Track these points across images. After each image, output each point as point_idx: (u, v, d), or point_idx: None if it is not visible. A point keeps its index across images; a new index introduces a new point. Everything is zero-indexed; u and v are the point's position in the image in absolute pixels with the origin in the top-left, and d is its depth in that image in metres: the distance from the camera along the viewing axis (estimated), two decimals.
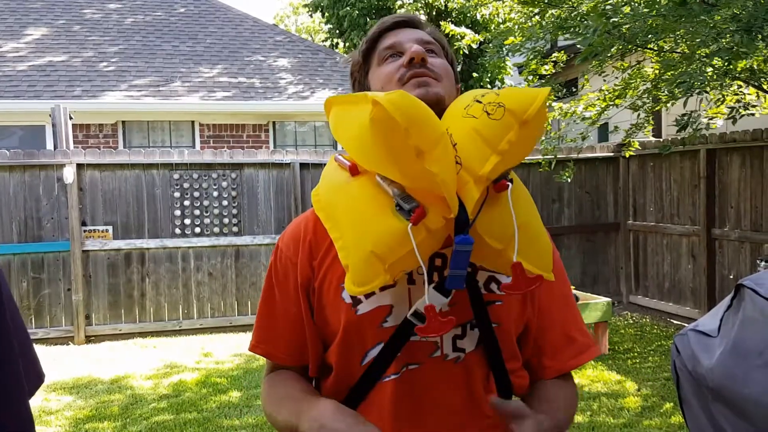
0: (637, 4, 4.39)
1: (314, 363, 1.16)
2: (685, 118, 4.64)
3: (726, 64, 4.03)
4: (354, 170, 1.05)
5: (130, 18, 10.92)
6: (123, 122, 8.96)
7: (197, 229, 6.90)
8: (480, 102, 0.99)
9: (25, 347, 1.00)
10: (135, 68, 9.56)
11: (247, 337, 6.66)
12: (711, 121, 5.15)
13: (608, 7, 4.50)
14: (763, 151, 5.90)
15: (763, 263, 4.17)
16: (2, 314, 0.92)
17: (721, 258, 6.42)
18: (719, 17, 3.77)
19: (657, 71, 5.22)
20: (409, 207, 0.95)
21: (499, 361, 1.10)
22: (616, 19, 4.15)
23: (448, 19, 12.46)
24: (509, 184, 1.00)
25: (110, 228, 6.65)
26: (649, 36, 4.31)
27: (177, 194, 6.84)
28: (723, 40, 3.83)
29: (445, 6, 12.12)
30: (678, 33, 4.34)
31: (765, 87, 4.93)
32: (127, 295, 6.73)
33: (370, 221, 0.98)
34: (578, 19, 4.78)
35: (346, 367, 1.11)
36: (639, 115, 6.02)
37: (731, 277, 6.29)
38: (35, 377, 1.02)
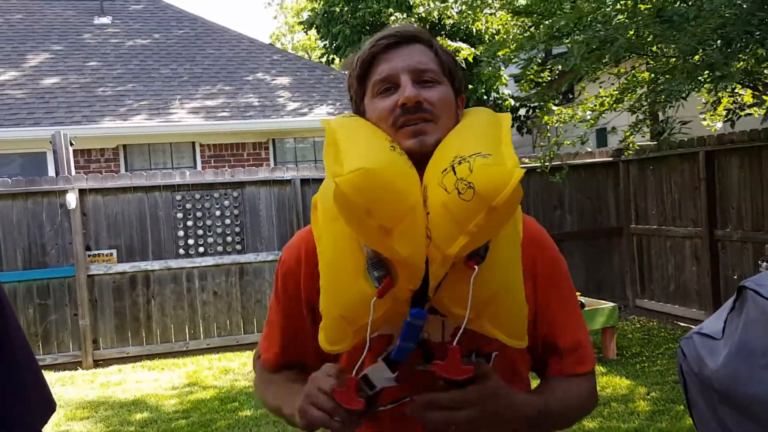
0: (618, 14, 4.43)
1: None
2: (662, 124, 4.67)
3: (713, 72, 4.06)
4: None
5: (127, 42, 11.01)
6: (124, 146, 9.02)
7: (201, 249, 6.92)
8: (454, 172, 0.95)
9: (36, 376, 1.01)
10: (134, 92, 9.63)
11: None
12: (683, 125, 5.17)
13: (590, 19, 4.54)
14: (761, 151, 5.92)
15: (765, 264, 4.17)
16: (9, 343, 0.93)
17: (725, 259, 6.42)
18: (699, 29, 3.80)
19: (653, 75, 5.26)
20: (378, 275, 0.95)
21: None
22: (602, 32, 4.19)
23: (443, 33, 12.55)
24: (476, 267, 0.95)
25: (114, 251, 6.68)
26: (635, 46, 4.35)
27: (180, 215, 6.87)
28: (703, 53, 3.86)
29: (439, 20, 12.19)
30: (662, 42, 4.38)
31: (760, 88, 4.96)
32: (134, 318, 6.74)
33: (344, 280, 0.98)
34: (561, 31, 4.82)
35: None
36: (637, 116, 6.05)
37: (735, 277, 6.29)
38: (45, 406, 1.04)
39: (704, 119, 5.33)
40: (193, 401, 5.23)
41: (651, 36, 4.12)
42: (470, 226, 0.92)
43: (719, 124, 5.38)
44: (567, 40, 4.47)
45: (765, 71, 4.41)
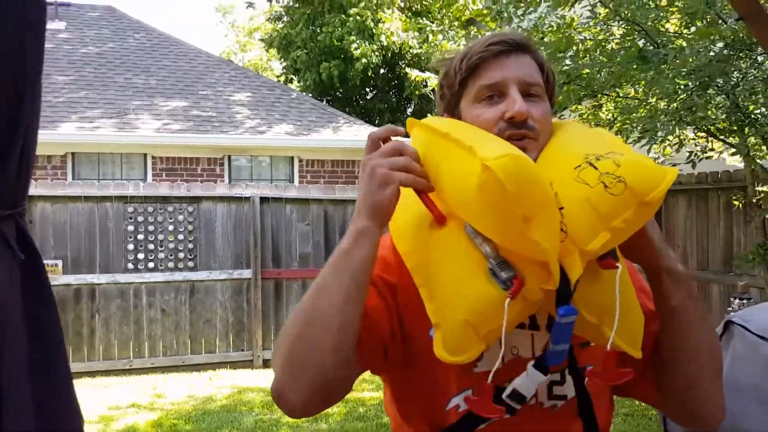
0: (595, 54, 4.61)
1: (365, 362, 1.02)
2: None
3: (678, 114, 4.26)
4: (441, 220, 0.98)
5: (81, 49, 10.72)
6: (72, 154, 8.72)
7: (151, 264, 6.72)
8: (594, 167, 0.91)
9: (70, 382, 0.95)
10: (87, 99, 9.36)
11: (201, 377, 6.49)
12: (675, 167, 5.39)
13: (569, 56, 4.70)
14: (707, 194, 6.19)
15: (737, 301, 4.36)
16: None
17: None
18: (675, 70, 4.00)
19: (613, 114, 5.46)
20: (506, 276, 0.89)
21: (589, 411, 1.06)
22: (585, 72, 4.34)
23: (402, 62, 12.73)
24: (618, 266, 0.92)
25: (60, 262, 6.41)
26: (609, 84, 4.53)
27: (131, 228, 6.67)
28: (680, 96, 4.05)
29: (400, 49, 12.36)
30: (637, 82, 4.57)
31: (713, 131, 5.22)
32: (76, 333, 6.46)
33: (463, 284, 0.91)
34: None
35: (428, 410, 1.05)
36: None
37: None
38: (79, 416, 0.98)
39: (666, 160, 5.56)
40: (137, 424, 5.02)
41: (630, 73, 4.28)
42: (617, 221, 0.88)
43: (680, 166, 5.61)
44: None
45: (720, 117, 4.65)
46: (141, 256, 6.69)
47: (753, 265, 5.30)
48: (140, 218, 6.69)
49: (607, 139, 1.01)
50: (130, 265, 6.66)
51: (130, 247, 6.66)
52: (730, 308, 4.48)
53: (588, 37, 5.47)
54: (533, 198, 0.86)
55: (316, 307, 0.94)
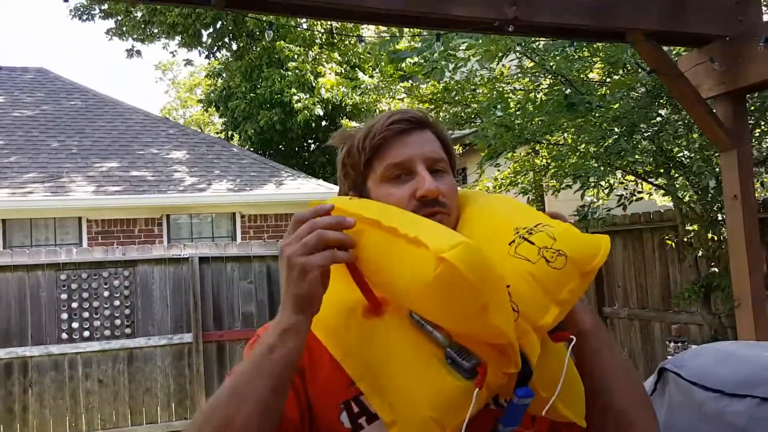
0: (524, 104, 4.77)
1: None
2: (585, 209, 5.00)
3: (607, 159, 4.42)
4: (378, 309, 0.94)
5: (13, 113, 10.46)
6: (3, 221, 8.39)
7: (86, 333, 6.44)
8: (530, 242, 0.91)
9: None
10: (17, 164, 9.07)
11: None
12: (607, 211, 5.57)
13: (498, 107, 4.84)
14: (642, 234, 6.37)
15: (672, 344, 4.44)
16: None
17: (614, 335, 6.75)
18: (601, 116, 4.16)
19: (547, 161, 5.62)
20: (470, 365, 0.85)
21: None
22: (517, 121, 4.48)
23: (342, 114, 12.87)
24: (572, 338, 0.93)
25: None
26: (540, 132, 4.67)
27: (64, 296, 6.40)
28: (608, 141, 4.21)
29: (340, 102, 12.51)
30: (567, 130, 4.73)
31: (640, 173, 5.41)
32: (7, 410, 6.09)
33: (419, 378, 0.86)
34: (472, 116, 5.10)
35: None
36: (528, 198, 6.41)
37: (625, 353, 6.61)
38: None
39: (599, 205, 5.73)
40: None
41: (559, 122, 4.44)
42: (563, 294, 0.89)
43: (612, 209, 5.79)
44: (478, 124, 4.75)
45: (647, 160, 4.84)
46: (75, 324, 6.41)
47: (690, 303, 5.44)
48: (74, 285, 6.44)
49: (525, 208, 1.02)
50: (65, 335, 6.37)
51: (64, 316, 6.38)
52: (669, 350, 4.57)
53: (518, 88, 5.67)
54: (490, 284, 0.84)
55: (230, 410, 0.88)
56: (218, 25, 13.26)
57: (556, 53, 4.97)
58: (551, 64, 4.98)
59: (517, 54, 5.34)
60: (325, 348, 0.97)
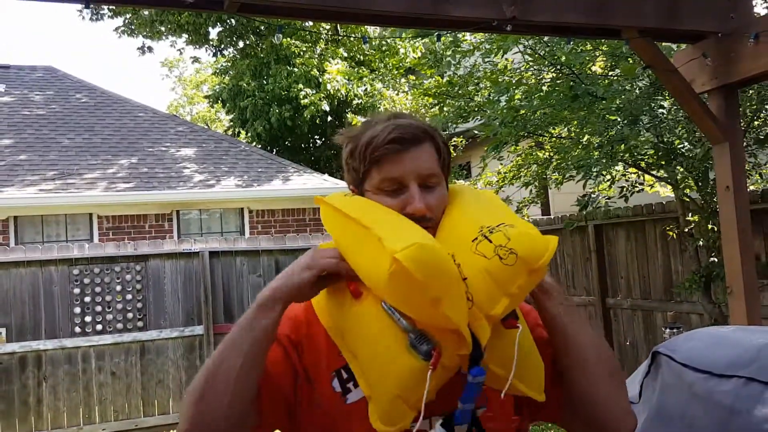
0: (530, 96, 4.84)
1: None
2: (585, 198, 5.07)
3: (611, 148, 4.49)
4: (357, 293, 1.08)
5: (23, 111, 10.59)
6: (15, 218, 8.53)
7: (99, 327, 6.57)
8: (489, 240, 1.03)
9: None
10: (28, 162, 9.21)
11: None
12: (609, 201, 5.63)
13: (503, 98, 4.92)
14: (644, 225, 6.44)
15: (668, 330, 4.51)
16: None
17: (617, 326, 6.82)
18: (605, 108, 4.23)
19: (550, 154, 5.69)
20: (426, 349, 0.99)
21: None
22: (522, 111, 4.55)
23: (348, 110, 12.93)
24: (519, 326, 1.07)
25: (3, 331, 6.22)
26: (544, 124, 4.74)
27: (77, 291, 6.53)
28: (610, 132, 4.28)
29: (346, 96, 12.57)
30: (571, 122, 4.80)
31: (642, 165, 5.48)
32: (22, 402, 6.23)
33: (388, 359, 1.01)
34: (475, 108, 5.17)
35: None
36: (531, 191, 6.48)
37: (627, 343, 6.68)
38: None
39: (603, 195, 5.80)
40: None
41: (563, 115, 4.51)
42: (512, 288, 1.02)
43: (621, 200, 5.85)
44: (488, 113, 4.83)
45: (648, 151, 4.90)
46: (88, 318, 6.54)
47: (691, 292, 5.51)
48: (86, 280, 6.57)
49: (498, 208, 1.15)
50: (78, 329, 6.50)
51: (77, 310, 6.51)
52: (665, 336, 4.64)
53: (523, 81, 5.74)
54: (441, 281, 0.97)
55: (217, 365, 1.06)
56: (226, 24, 13.32)
57: (560, 46, 5.04)
58: (561, 56, 5.03)
59: (521, 48, 5.41)
60: (322, 325, 1.14)
